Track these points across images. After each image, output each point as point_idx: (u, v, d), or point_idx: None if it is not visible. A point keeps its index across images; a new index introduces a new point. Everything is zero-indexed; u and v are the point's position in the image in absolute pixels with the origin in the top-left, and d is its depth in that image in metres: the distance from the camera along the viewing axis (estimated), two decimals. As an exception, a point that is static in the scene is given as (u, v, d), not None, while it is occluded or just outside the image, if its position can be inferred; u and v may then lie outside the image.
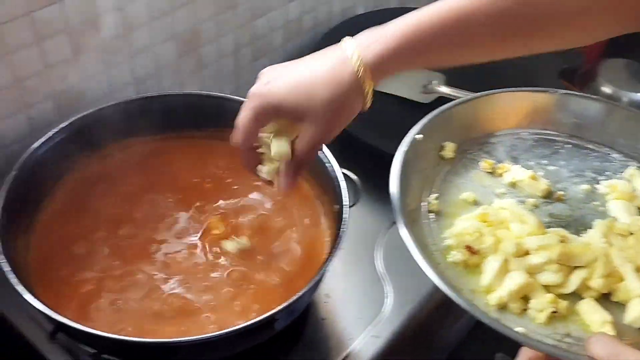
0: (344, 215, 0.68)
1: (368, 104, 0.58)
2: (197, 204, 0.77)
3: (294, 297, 0.61)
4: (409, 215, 0.66)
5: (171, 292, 0.67)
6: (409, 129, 0.77)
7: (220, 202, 0.78)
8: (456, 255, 0.62)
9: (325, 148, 0.74)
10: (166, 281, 0.68)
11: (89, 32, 0.75)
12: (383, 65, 0.56)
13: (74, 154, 0.76)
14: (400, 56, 0.56)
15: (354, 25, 1.15)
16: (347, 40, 0.58)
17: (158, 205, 0.76)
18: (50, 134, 0.73)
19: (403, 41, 0.56)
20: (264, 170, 0.63)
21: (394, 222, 0.86)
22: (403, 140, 0.72)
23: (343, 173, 0.74)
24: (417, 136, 0.73)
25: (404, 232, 0.61)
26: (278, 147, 0.60)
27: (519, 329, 0.56)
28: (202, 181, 0.80)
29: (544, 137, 0.77)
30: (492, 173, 0.75)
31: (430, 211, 0.71)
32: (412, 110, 1.00)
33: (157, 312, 0.65)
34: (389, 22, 0.58)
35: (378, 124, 0.96)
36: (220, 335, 0.58)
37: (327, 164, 0.74)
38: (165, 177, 0.79)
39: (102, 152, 0.79)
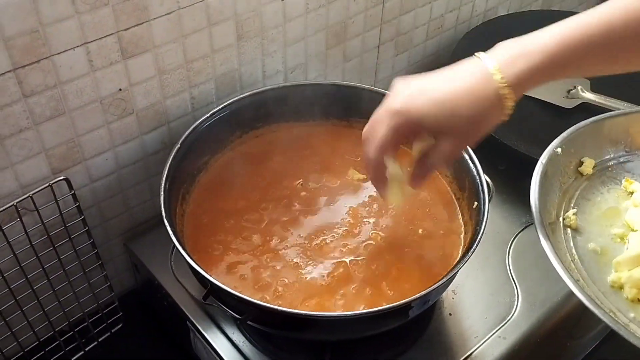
0: (484, 212, 0.69)
1: (508, 117, 0.58)
2: (340, 189, 0.80)
3: (431, 287, 0.62)
4: (549, 227, 0.68)
5: (311, 268, 0.71)
6: (548, 133, 0.77)
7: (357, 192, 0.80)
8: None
9: (468, 147, 0.75)
10: (308, 258, 0.72)
11: (253, 20, 0.80)
12: (526, 82, 0.56)
13: (228, 133, 0.82)
14: (544, 73, 0.56)
15: (495, 26, 1.16)
16: (484, 56, 0.57)
17: (302, 184, 0.80)
18: (210, 112, 0.79)
19: (547, 58, 0.55)
20: None
21: (527, 225, 0.87)
22: (543, 153, 0.73)
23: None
24: (556, 149, 0.74)
25: (545, 245, 0.63)
26: (392, 168, 0.63)
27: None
28: (345, 169, 0.83)
29: None
30: (631, 193, 0.76)
31: (566, 226, 0.72)
32: (553, 115, 0.98)
33: (298, 286, 0.69)
34: (531, 34, 0.57)
35: (517, 126, 0.95)
36: (359, 315, 0.61)
37: (469, 162, 0.74)
38: (309, 160, 0.83)
39: (253, 133, 0.84)
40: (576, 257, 0.69)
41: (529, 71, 0.55)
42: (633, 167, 0.79)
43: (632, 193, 0.77)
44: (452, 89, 0.57)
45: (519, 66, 0.55)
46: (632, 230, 0.72)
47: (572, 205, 0.75)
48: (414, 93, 0.58)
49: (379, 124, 0.59)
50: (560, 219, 0.73)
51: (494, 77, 0.55)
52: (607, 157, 0.80)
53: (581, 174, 0.78)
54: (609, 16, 0.54)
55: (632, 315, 0.64)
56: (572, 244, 0.71)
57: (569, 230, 0.72)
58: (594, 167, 0.78)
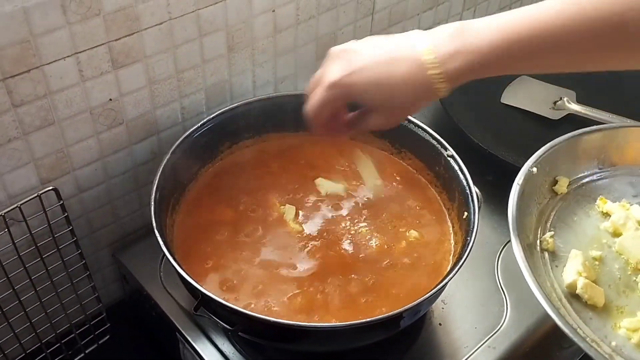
0: (473, 222, 0.69)
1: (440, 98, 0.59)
2: (331, 199, 0.80)
3: (422, 298, 0.63)
4: (527, 249, 0.69)
5: (303, 279, 0.71)
6: (535, 144, 0.78)
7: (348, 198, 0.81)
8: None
9: (458, 158, 0.76)
10: (300, 269, 0.72)
11: (243, 31, 0.80)
12: (464, 76, 0.56)
13: (218, 143, 0.82)
14: (484, 69, 0.55)
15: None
16: (423, 45, 0.56)
17: (291, 193, 0.80)
18: (201, 122, 0.78)
19: (489, 55, 0.54)
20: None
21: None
22: (519, 174, 0.73)
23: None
24: (532, 169, 0.74)
25: (524, 268, 0.65)
26: (361, 161, 0.72)
27: None
28: (331, 177, 0.83)
29: None
30: (606, 214, 0.76)
31: (544, 249, 0.73)
32: (540, 126, 0.99)
33: (290, 296, 0.69)
34: (478, 20, 0.55)
35: (505, 137, 0.96)
36: (351, 325, 0.61)
37: (458, 172, 0.75)
38: (298, 170, 0.83)
39: (243, 143, 0.84)
40: (555, 284, 0.70)
41: (467, 67, 0.55)
42: (607, 184, 0.80)
43: (606, 214, 0.77)
44: (391, 75, 0.58)
45: (458, 62, 0.55)
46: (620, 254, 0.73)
47: (548, 227, 0.75)
48: (354, 70, 0.59)
49: (319, 90, 0.61)
50: (538, 241, 0.73)
51: (431, 70, 0.56)
52: (581, 174, 0.80)
53: (556, 193, 0.78)
54: (564, 8, 0.51)
55: (614, 344, 0.65)
56: (549, 267, 0.71)
57: (546, 254, 0.73)
58: (568, 185, 0.78)
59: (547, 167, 0.76)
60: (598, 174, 0.81)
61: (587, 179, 0.80)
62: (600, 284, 0.69)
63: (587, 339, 0.62)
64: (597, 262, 0.72)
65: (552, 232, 0.73)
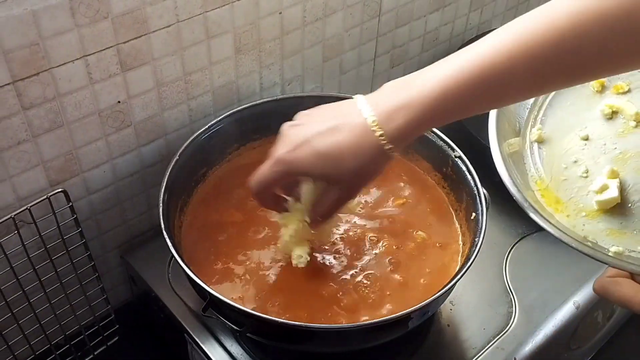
0: (482, 222, 0.69)
1: (394, 157, 0.58)
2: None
3: (430, 298, 0.63)
4: (510, 156, 0.66)
5: (310, 279, 0.71)
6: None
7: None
8: None
9: (465, 159, 0.76)
10: (306, 269, 0.71)
11: (251, 33, 0.81)
12: (407, 134, 0.55)
13: (226, 145, 0.82)
14: (426, 123, 0.55)
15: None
16: (364, 107, 0.56)
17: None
18: (208, 124, 0.79)
19: (428, 110, 0.53)
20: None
21: (523, 236, 0.87)
22: None
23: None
24: None
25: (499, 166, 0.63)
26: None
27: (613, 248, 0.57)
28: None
29: None
30: (600, 92, 0.70)
31: (535, 141, 0.69)
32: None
33: (298, 297, 0.69)
34: (418, 74, 0.55)
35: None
36: (358, 326, 0.61)
37: (466, 173, 0.75)
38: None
39: (251, 145, 0.84)
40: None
41: (408, 125, 0.54)
42: None
43: (600, 90, 0.70)
44: (336, 143, 0.56)
45: (398, 121, 0.54)
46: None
47: (538, 118, 0.70)
48: (298, 144, 0.58)
49: (265, 166, 0.61)
50: (527, 138, 0.69)
51: (375, 133, 0.55)
52: None
53: None
54: (495, 52, 0.50)
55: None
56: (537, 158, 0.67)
57: (535, 145, 0.69)
58: None
59: None
60: None
61: None
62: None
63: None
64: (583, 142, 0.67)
65: (539, 126, 0.69)
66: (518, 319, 0.78)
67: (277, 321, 0.61)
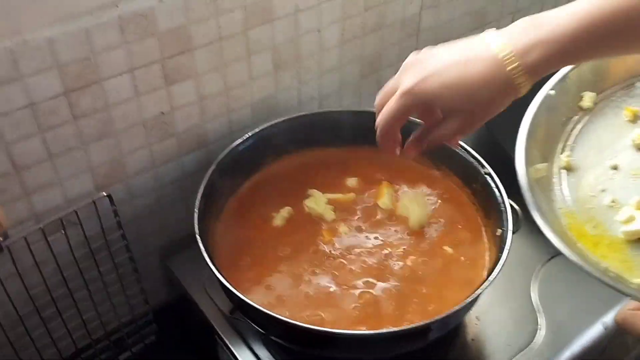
0: (507, 239, 0.70)
1: (521, 95, 0.58)
2: (369, 214, 0.83)
3: (451, 310, 0.64)
4: (537, 182, 0.65)
5: (338, 289, 0.73)
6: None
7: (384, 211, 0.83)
8: None
9: (494, 176, 0.77)
10: (337, 279, 0.74)
11: (290, 50, 0.84)
12: (543, 69, 0.55)
13: (262, 156, 0.86)
14: (562, 60, 0.55)
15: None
16: (498, 42, 0.56)
17: (332, 205, 0.83)
18: (246, 136, 0.83)
19: (566, 45, 0.53)
20: None
21: (554, 255, 0.87)
22: (535, 98, 0.69)
23: (506, 201, 0.76)
24: (550, 92, 0.70)
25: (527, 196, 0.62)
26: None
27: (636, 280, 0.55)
28: (374, 194, 0.85)
29: None
30: (632, 121, 0.70)
31: (563, 168, 0.69)
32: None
33: (324, 305, 0.71)
34: (549, 13, 0.55)
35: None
36: (378, 334, 0.63)
37: (494, 189, 0.76)
38: (340, 184, 0.86)
39: (286, 157, 0.88)
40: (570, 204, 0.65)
41: (546, 60, 0.54)
42: (637, 93, 0.73)
43: (632, 119, 0.70)
44: (466, 74, 0.57)
45: (533, 55, 0.54)
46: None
47: (567, 144, 0.70)
48: (427, 75, 0.59)
49: (391, 100, 0.61)
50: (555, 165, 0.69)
51: (507, 67, 0.55)
52: (611, 88, 0.73)
53: (582, 109, 0.72)
54: None
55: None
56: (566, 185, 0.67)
57: (563, 172, 0.69)
58: (594, 101, 0.73)
59: (571, 88, 0.71)
60: (628, 82, 0.74)
61: (616, 90, 0.74)
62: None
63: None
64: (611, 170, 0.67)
65: (568, 153, 0.69)
66: (544, 337, 0.78)
67: (298, 325, 0.64)
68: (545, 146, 0.70)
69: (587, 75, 0.73)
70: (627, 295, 0.55)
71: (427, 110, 0.63)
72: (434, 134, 0.63)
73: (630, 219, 0.62)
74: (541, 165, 0.68)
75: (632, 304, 0.56)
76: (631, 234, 0.61)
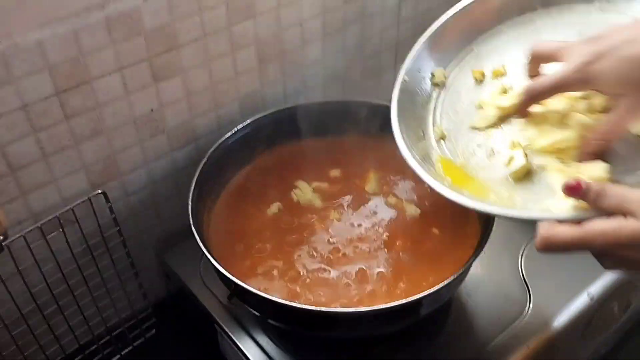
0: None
1: None
2: (357, 200, 0.85)
3: (440, 285, 0.66)
4: (423, 159, 0.69)
5: (330, 270, 0.76)
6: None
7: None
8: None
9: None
10: (328, 261, 0.77)
11: (273, 44, 0.86)
12: None
13: (251, 149, 0.88)
14: None
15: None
16: None
17: (321, 193, 0.85)
18: (235, 129, 0.85)
19: None
20: None
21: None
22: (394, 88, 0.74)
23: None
24: (405, 78, 0.75)
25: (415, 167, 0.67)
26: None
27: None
28: (362, 182, 0.88)
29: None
30: (482, 81, 0.75)
31: (439, 139, 0.73)
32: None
33: (317, 287, 0.74)
34: None
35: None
36: (370, 310, 0.66)
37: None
38: (328, 174, 0.88)
39: (275, 149, 0.90)
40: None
41: None
42: (474, 56, 0.77)
43: (482, 79, 0.75)
44: None
45: None
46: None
47: (435, 120, 0.74)
48: (602, 53, 0.57)
49: (562, 71, 0.60)
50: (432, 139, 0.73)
51: None
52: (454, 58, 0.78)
53: (438, 86, 0.77)
54: None
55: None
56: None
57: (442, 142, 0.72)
58: (445, 75, 0.77)
59: (422, 67, 0.76)
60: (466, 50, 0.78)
61: (462, 60, 0.78)
62: None
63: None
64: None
65: (438, 124, 0.73)
66: (533, 310, 0.81)
67: (294, 306, 0.66)
68: (420, 125, 0.74)
69: (430, 55, 0.77)
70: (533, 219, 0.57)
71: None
72: (608, 124, 0.59)
73: (510, 160, 0.65)
74: (421, 144, 0.72)
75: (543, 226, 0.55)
76: (517, 173, 0.64)
